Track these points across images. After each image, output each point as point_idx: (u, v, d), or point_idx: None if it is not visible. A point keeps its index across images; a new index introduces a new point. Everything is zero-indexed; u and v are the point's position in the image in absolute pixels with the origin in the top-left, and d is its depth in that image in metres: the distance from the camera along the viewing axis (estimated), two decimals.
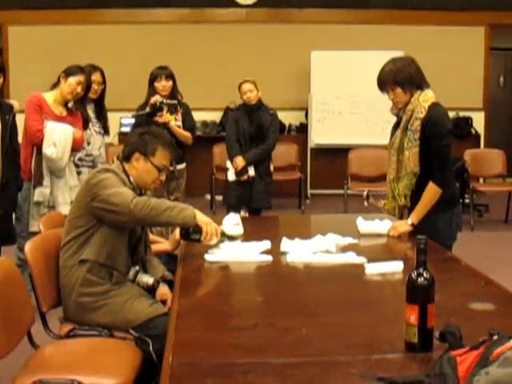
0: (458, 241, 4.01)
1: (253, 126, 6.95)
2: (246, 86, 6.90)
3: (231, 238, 3.62)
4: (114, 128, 8.03)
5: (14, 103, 5.11)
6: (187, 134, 6.27)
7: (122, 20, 10.28)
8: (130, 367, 2.89)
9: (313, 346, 2.23)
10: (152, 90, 6.22)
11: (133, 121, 6.43)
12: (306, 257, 3.36)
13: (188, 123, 6.33)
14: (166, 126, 5.96)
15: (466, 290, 2.96)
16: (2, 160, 4.82)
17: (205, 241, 3.43)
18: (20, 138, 5.18)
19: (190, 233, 3.44)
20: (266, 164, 7.11)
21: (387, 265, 3.14)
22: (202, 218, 3.39)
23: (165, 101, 6.09)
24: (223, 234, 3.51)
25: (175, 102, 6.19)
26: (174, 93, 6.25)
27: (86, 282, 3.31)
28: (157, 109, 6.04)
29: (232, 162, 6.98)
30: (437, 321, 2.11)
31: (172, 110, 6.15)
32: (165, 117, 6.07)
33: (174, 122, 6.16)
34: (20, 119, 5.06)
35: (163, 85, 6.17)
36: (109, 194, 3.27)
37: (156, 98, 6.07)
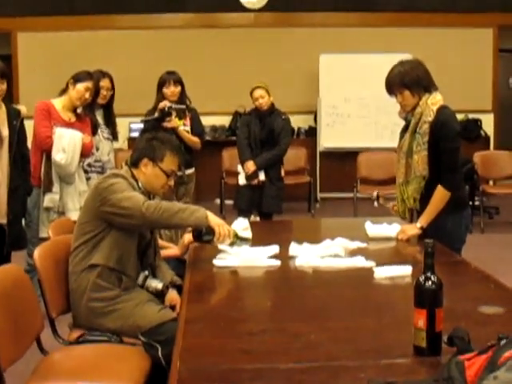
0: (468, 243, 4.00)
1: (264, 131, 6.93)
2: (258, 92, 6.87)
3: (244, 240, 3.60)
4: (123, 133, 8.06)
5: (22, 108, 5.11)
6: (196, 139, 6.27)
7: (131, 25, 10.30)
8: (138, 373, 2.90)
9: (321, 351, 2.23)
10: (160, 96, 6.22)
11: (142, 126, 6.44)
12: (314, 261, 3.36)
13: (196, 128, 6.34)
14: (174, 131, 5.96)
15: (475, 293, 2.95)
16: (11, 165, 4.84)
17: (217, 242, 3.43)
18: (29, 145, 5.20)
19: (203, 234, 3.44)
20: (277, 169, 7.09)
21: (396, 268, 3.13)
22: (214, 220, 3.39)
23: (173, 106, 6.09)
24: (236, 236, 3.49)
25: (183, 106, 6.19)
26: (182, 98, 6.25)
27: (96, 286, 3.32)
28: (165, 114, 6.04)
29: (243, 166, 6.98)
30: (446, 325, 2.10)
31: (180, 114, 6.15)
32: (173, 122, 6.07)
33: (183, 127, 6.17)
34: (29, 125, 5.08)
35: (171, 90, 6.17)
36: (119, 199, 3.27)
37: (164, 103, 6.07)
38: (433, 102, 3.82)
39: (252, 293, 3.22)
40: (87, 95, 5.25)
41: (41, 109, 5.19)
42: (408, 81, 3.82)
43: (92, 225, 3.37)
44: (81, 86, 5.21)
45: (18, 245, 5.06)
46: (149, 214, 3.23)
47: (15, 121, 4.87)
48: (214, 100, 10.02)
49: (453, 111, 3.90)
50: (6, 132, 4.81)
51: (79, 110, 5.35)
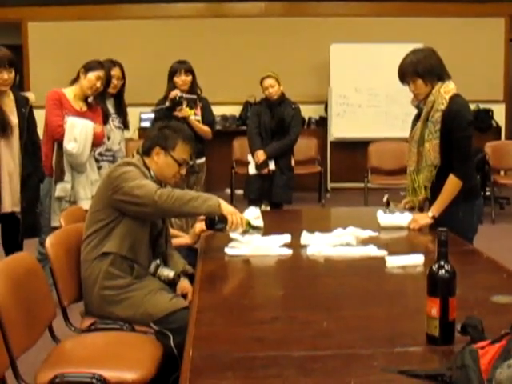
0: (479, 233, 3.99)
1: (274, 120, 6.93)
2: (268, 82, 6.87)
3: (256, 228, 3.59)
4: (133, 123, 8.05)
5: (30, 95, 5.12)
6: (206, 129, 6.26)
7: (141, 15, 10.29)
8: (150, 361, 2.90)
9: (333, 339, 2.23)
10: (171, 85, 6.21)
11: (152, 115, 6.44)
12: (326, 250, 3.35)
13: (207, 117, 6.33)
14: (185, 120, 5.95)
15: (488, 282, 2.94)
16: (22, 153, 4.85)
17: (230, 230, 3.42)
18: (41, 134, 5.21)
19: (216, 223, 3.43)
20: (288, 158, 7.09)
21: (408, 257, 3.13)
22: (226, 208, 3.37)
23: (184, 95, 6.09)
24: (248, 224, 3.48)
25: (194, 96, 6.19)
26: (193, 87, 6.24)
27: (108, 275, 3.32)
28: (176, 103, 6.04)
29: (253, 155, 6.97)
30: (459, 314, 2.10)
31: (191, 104, 6.15)
32: (184, 111, 6.07)
33: (194, 116, 6.16)
34: (39, 114, 5.09)
35: (183, 79, 6.17)
36: (132, 187, 3.27)
37: (175, 93, 6.07)
38: (446, 91, 3.80)
39: (264, 281, 3.22)
40: (98, 84, 5.25)
41: (52, 98, 5.20)
42: (421, 69, 3.80)
43: (104, 213, 3.37)
44: (92, 75, 5.21)
45: (33, 232, 5.07)
46: (161, 202, 3.22)
47: (24, 108, 4.88)
48: (224, 90, 10.00)
49: (465, 100, 3.88)
50: (15, 120, 4.82)
51: (90, 100, 5.35)
